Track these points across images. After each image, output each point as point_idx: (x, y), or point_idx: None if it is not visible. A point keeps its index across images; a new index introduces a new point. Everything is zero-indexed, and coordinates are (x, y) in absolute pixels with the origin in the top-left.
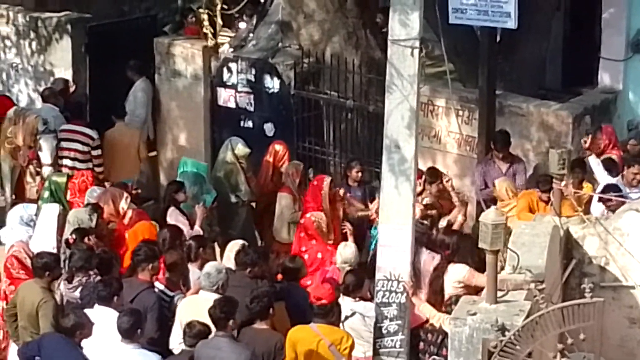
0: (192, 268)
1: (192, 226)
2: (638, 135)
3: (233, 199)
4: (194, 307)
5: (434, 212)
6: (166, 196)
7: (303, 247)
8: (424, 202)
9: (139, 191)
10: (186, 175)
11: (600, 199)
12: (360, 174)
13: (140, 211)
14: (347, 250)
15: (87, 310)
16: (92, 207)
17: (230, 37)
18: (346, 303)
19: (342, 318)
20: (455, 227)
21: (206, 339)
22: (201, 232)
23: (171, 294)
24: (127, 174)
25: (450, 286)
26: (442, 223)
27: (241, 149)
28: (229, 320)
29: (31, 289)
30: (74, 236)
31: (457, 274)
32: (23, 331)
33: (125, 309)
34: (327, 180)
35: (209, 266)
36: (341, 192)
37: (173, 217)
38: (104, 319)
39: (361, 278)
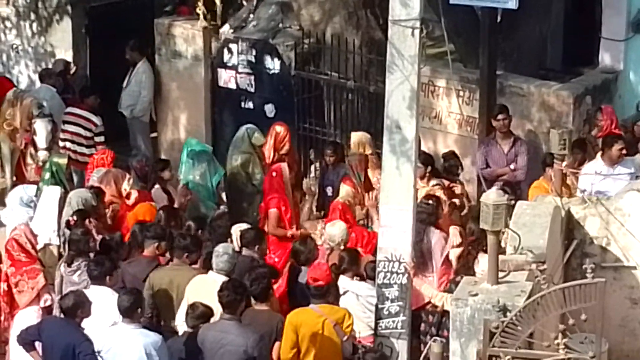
0: None
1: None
2: None
3: (249, 188)
4: (203, 287)
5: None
6: (153, 174)
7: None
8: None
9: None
10: (194, 153)
11: None
12: (331, 158)
13: (145, 192)
14: (332, 229)
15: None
16: (94, 190)
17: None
18: (342, 281)
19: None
20: None
21: (211, 322)
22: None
23: None
24: None
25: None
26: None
27: (258, 137)
28: (240, 303)
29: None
30: (74, 217)
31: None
32: None
33: (125, 288)
34: (285, 167)
35: (223, 247)
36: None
37: (156, 195)
38: (99, 298)
39: (354, 256)
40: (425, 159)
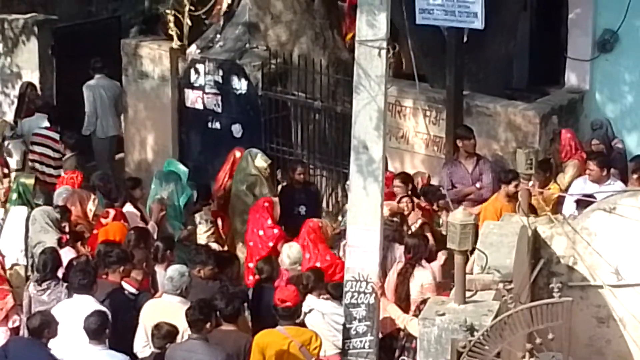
0: (159, 269)
1: (146, 223)
2: (601, 135)
3: None
4: (157, 310)
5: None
6: (123, 192)
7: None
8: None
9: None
10: (160, 173)
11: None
12: (302, 176)
13: (121, 211)
14: (293, 251)
15: (66, 301)
16: (60, 209)
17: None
18: (308, 300)
19: (302, 315)
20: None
21: (178, 342)
22: (156, 228)
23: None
24: None
25: (415, 290)
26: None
27: (261, 159)
28: (206, 322)
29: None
30: (67, 236)
31: (422, 279)
32: None
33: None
34: (277, 202)
35: (172, 270)
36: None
37: (128, 214)
38: (83, 307)
39: (320, 275)
40: (404, 177)
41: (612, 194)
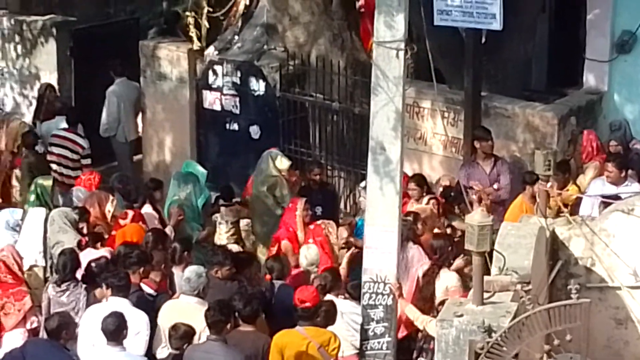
0: (176, 271)
1: (164, 225)
2: (619, 136)
3: (279, 211)
4: (174, 311)
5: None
6: (144, 192)
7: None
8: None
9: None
10: (178, 175)
11: None
12: (318, 177)
13: (140, 212)
14: (311, 252)
15: (103, 304)
16: (79, 210)
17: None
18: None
19: None
20: None
21: (197, 343)
22: (173, 233)
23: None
24: None
25: (440, 291)
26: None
27: (282, 160)
28: (226, 323)
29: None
30: (87, 238)
31: (448, 281)
32: None
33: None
34: (302, 202)
35: (189, 271)
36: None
37: (147, 215)
38: (122, 310)
39: (338, 275)
40: (419, 180)
41: (630, 195)
